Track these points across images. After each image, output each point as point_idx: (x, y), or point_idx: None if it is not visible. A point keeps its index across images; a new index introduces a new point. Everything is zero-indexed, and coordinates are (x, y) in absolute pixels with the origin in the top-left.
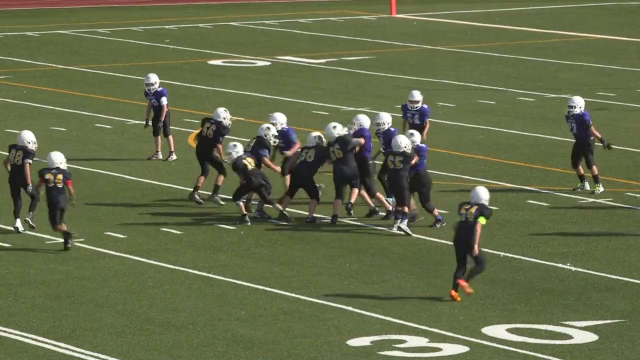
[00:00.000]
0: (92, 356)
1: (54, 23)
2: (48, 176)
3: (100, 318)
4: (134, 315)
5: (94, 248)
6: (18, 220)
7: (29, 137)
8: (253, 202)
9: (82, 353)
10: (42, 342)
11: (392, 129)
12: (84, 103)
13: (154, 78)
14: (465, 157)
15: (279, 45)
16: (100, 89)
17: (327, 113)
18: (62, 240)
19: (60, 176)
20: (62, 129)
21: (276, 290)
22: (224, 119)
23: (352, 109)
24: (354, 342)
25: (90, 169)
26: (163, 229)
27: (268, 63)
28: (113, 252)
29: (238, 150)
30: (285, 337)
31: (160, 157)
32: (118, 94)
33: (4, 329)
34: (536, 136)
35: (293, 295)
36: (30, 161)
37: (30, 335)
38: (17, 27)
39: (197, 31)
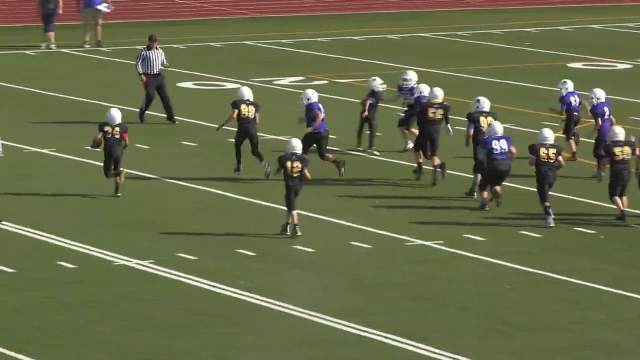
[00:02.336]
0: (451, 358)
1: (415, 26)
2: (107, 128)
3: (459, 320)
4: (493, 318)
5: (453, 250)
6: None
7: (248, 94)
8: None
9: (442, 355)
10: (402, 342)
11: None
12: None
13: (410, 75)
14: None
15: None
16: (460, 91)
17: None
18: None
19: (117, 129)
20: None
21: (636, 295)
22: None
23: None
24: None
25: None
26: (522, 232)
27: (629, 66)
28: (472, 255)
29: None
30: None
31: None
32: (474, 97)
33: (364, 328)
34: None
35: None
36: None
37: (390, 336)
38: (379, 29)
39: (557, 33)
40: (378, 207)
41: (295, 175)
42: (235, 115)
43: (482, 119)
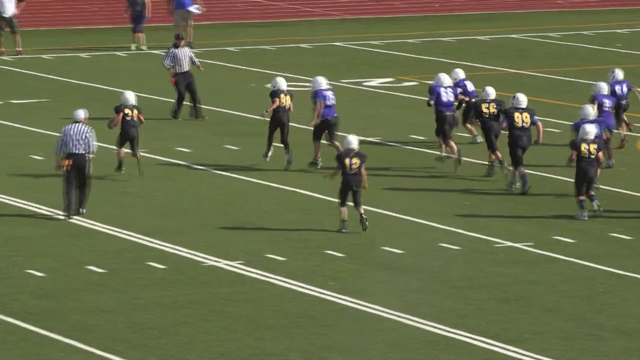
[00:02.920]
0: None
1: (506, 27)
2: (127, 111)
3: (549, 322)
4: (583, 321)
5: (543, 252)
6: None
7: (284, 84)
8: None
9: (531, 357)
10: (491, 344)
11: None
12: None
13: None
14: None
15: None
16: (550, 93)
17: None
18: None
19: (135, 111)
20: None
21: None
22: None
23: None
24: None
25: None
26: (612, 234)
27: None
28: (562, 257)
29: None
30: None
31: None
32: (568, 98)
33: (453, 330)
34: None
35: None
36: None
37: (479, 338)
38: (469, 31)
39: None
40: (467, 207)
41: (353, 172)
42: (277, 104)
43: (516, 114)
